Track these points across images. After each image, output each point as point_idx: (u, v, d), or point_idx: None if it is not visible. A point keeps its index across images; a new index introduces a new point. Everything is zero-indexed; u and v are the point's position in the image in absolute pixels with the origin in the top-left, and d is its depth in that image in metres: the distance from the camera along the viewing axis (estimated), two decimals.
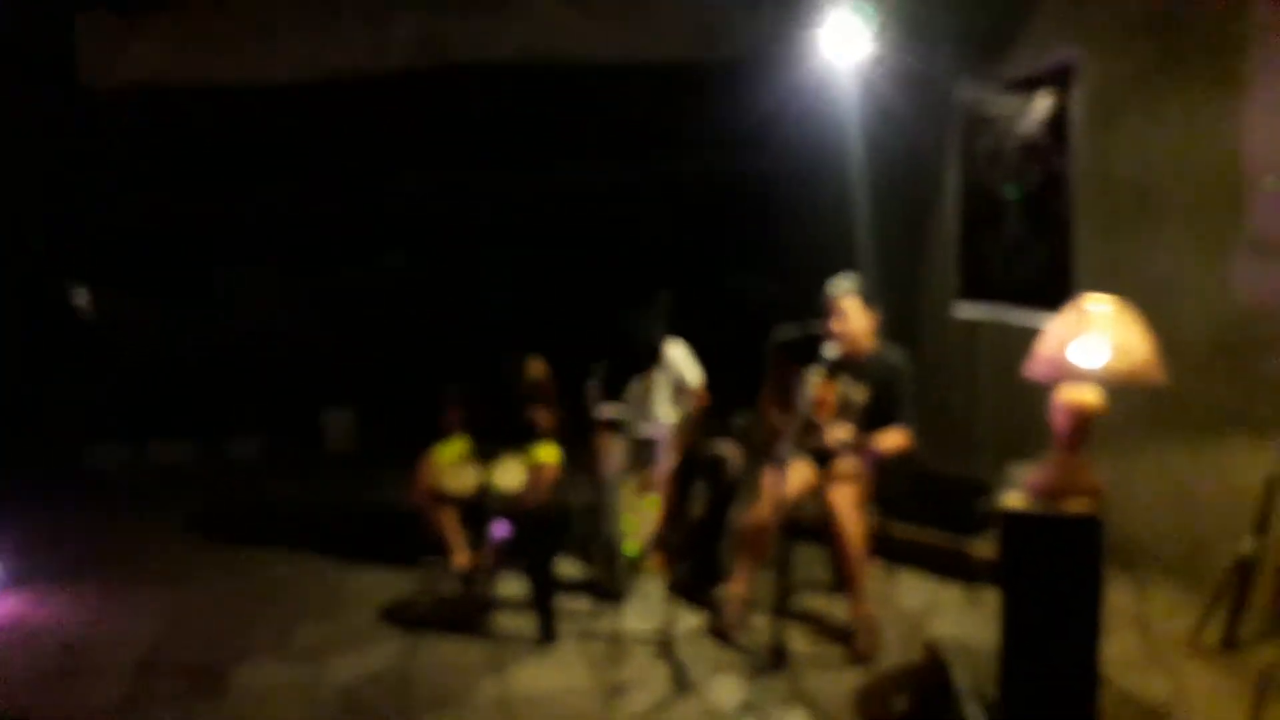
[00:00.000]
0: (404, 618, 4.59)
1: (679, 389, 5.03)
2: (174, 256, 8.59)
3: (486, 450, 5.03)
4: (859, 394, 4.31)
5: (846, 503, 4.15)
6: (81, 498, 7.06)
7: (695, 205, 8.89)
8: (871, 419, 4.28)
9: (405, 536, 5.40)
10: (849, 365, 4.31)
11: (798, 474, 4.19)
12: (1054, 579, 3.24)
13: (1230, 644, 3.90)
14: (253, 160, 8.07)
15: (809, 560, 4.96)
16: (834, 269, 4.57)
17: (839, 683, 3.80)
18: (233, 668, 4.11)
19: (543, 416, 5.05)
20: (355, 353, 8.36)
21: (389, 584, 5.02)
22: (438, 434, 5.06)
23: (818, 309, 4.37)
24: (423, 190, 8.72)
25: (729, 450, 4.77)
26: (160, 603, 4.87)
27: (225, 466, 7.87)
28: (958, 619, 4.39)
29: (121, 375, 7.98)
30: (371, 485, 6.84)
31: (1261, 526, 3.90)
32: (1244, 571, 3.92)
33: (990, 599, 4.29)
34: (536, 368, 5.13)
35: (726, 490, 4.76)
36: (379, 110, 6.93)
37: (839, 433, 4.02)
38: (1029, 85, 5.32)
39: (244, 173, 8.25)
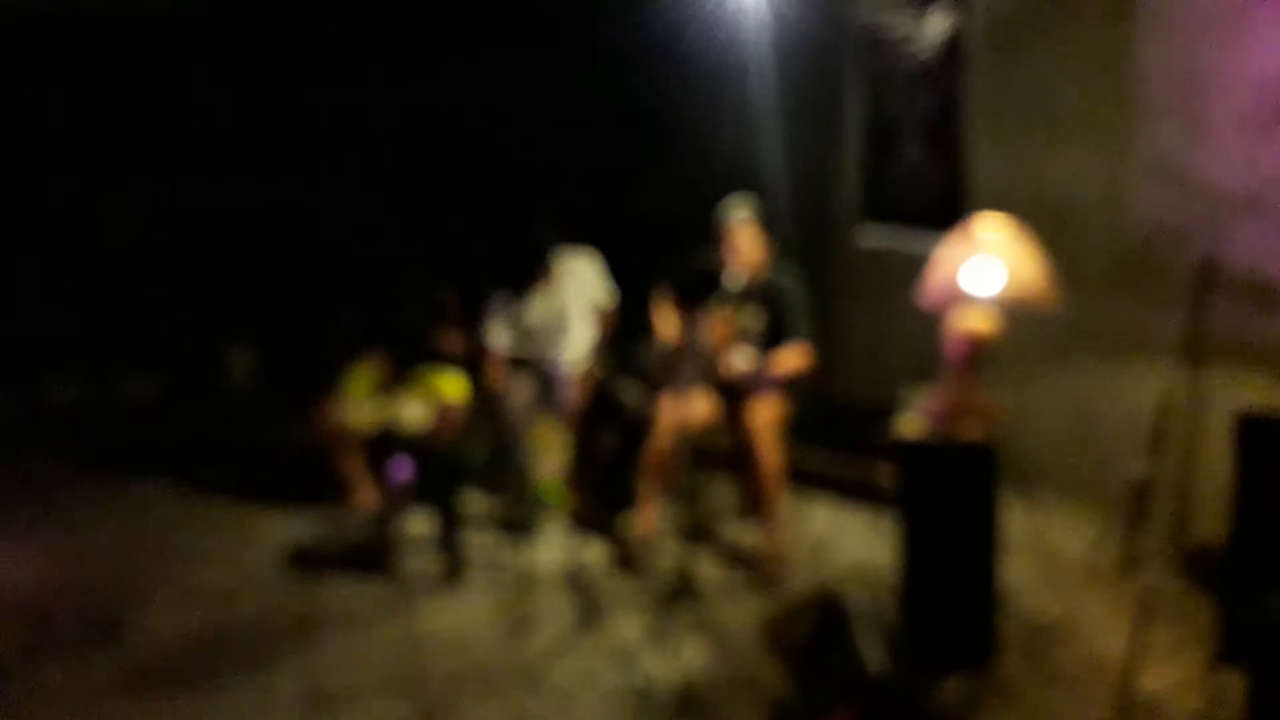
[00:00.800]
0: (308, 559, 4.55)
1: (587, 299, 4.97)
2: (45, 176, 8.23)
3: (391, 381, 4.97)
4: (756, 320, 4.32)
5: (767, 429, 4.17)
6: None
7: (599, 126, 8.75)
8: (770, 343, 4.29)
9: (308, 476, 5.35)
10: (745, 292, 4.31)
11: (699, 403, 4.20)
12: (949, 504, 3.31)
13: (1127, 564, 4.03)
14: (131, 77, 7.72)
15: (716, 488, 5.03)
16: (741, 191, 4.55)
17: (744, 610, 3.86)
18: (131, 614, 4.06)
19: (450, 340, 5.00)
20: (255, 286, 8.15)
21: (292, 525, 4.96)
22: (338, 361, 5.00)
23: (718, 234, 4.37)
24: (308, 107, 8.44)
25: (632, 393, 4.77)
26: (55, 550, 4.77)
27: (121, 407, 7.65)
28: (863, 544, 4.47)
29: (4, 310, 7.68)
30: (274, 424, 6.74)
31: (1155, 448, 4.02)
32: (1139, 493, 4.05)
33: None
34: (442, 292, 5.08)
35: (633, 428, 4.77)
36: (250, 23, 6.62)
37: (737, 361, 4.03)
38: (929, 4, 5.30)
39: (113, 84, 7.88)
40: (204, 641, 3.84)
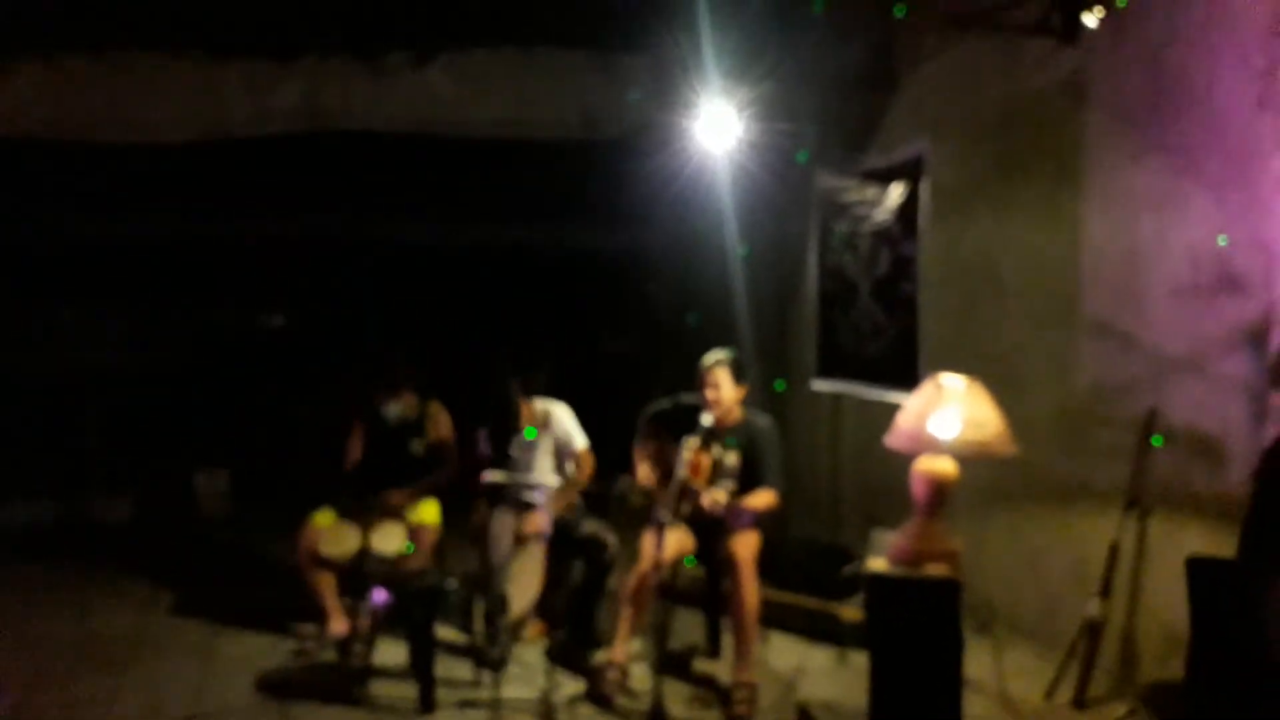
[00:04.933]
0: (280, 686, 4.41)
1: (564, 452, 5.03)
2: (26, 299, 8.21)
3: (368, 507, 4.96)
4: (731, 459, 4.41)
5: (748, 563, 4.19)
6: None
7: (578, 276, 9.00)
8: (743, 482, 4.38)
9: (282, 603, 5.25)
10: (721, 432, 4.42)
11: (674, 539, 4.23)
12: (917, 637, 3.35)
13: (1080, 703, 4.06)
14: (123, 203, 7.80)
15: (685, 625, 5.00)
16: (711, 341, 4.70)
17: None
18: None
19: (447, 454, 5.06)
20: (230, 412, 8.11)
21: (264, 652, 4.82)
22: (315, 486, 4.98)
23: (694, 379, 4.49)
24: (301, 245, 8.58)
25: (604, 531, 4.80)
26: (14, 680, 4.53)
27: (89, 529, 7.47)
28: (827, 681, 4.46)
29: None
30: (247, 549, 6.63)
31: (1105, 590, 4.11)
32: (1092, 633, 4.12)
33: (857, 661, 4.39)
34: (439, 412, 5.14)
35: (603, 565, 4.77)
36: (259, 162, 6.75)
37: (717, 495, 4.09)
38: (883, 176, 5.59)
39: (114, 215, 7.96)
40: None
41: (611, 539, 4.74)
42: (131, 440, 7.88)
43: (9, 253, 7.95)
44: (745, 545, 4.24)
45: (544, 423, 5.01)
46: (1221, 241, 3.63)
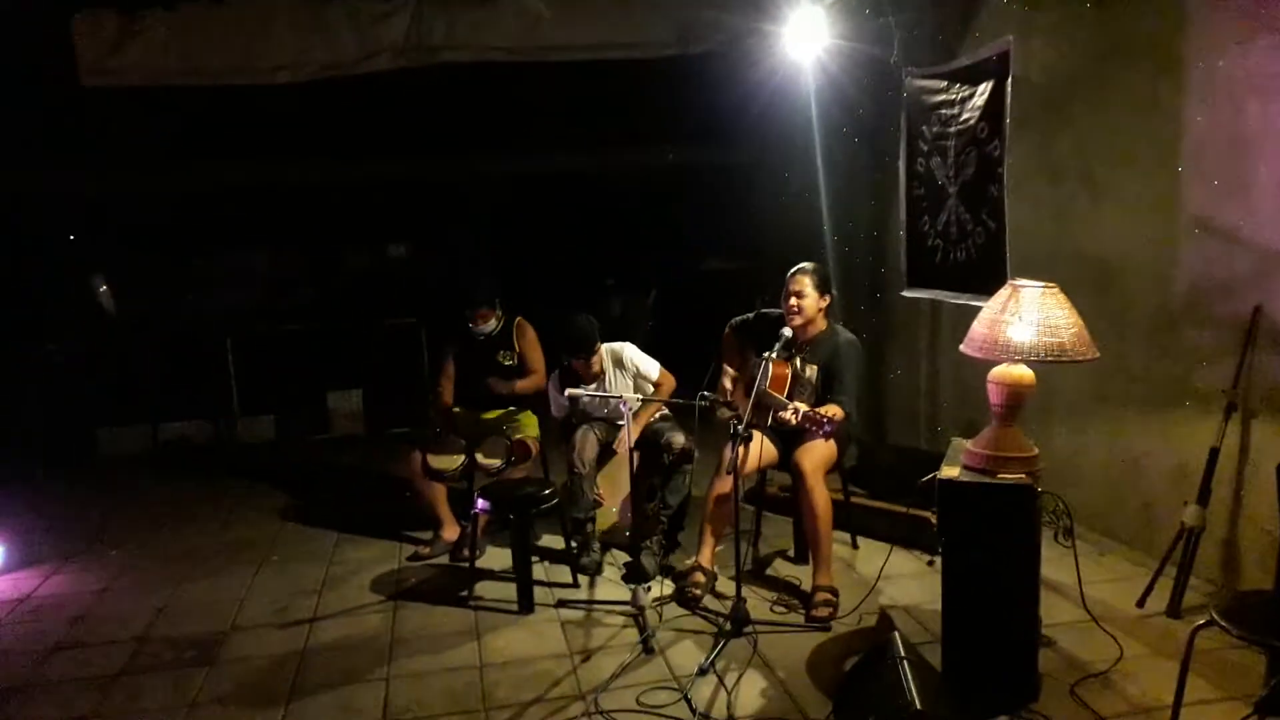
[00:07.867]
0: (393, 588, 4.58)
1: (644, 384, 4.89)
2: (174, 241, 8.59)
3: (473, 420, 5.06)
4: (811, 371, 4.26)
5: (815, 472, 4.09)
6: (95, 480, 7.09)
7: (674, 192, 8.84)
8: (822, 395, 4.23)
9: (402, 512, 5.42)
10: (803, 344, 4.27)
11: (757, 447, 4.12)
12: (990, 542, 3.17)
13: (1175, 613, 3.82)
14: (248, 146, 8.04)
15: (772, 531, 4.92)
16: (804, 251, 4.52)
17: (797, 647, 3.74)
18: (226, 639, 4.10)
19: (534, 365, 5.14)
20: (361, 336, 8.34)
21: (381, 556, 5.03)
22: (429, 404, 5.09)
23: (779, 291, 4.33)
24: (409, 177, 8.70)
25: (679, 437, 4.70)
26: (165, 579, 4.87)
27: (236, 447, 7.90)
28: (913, 585, 4.32)
29: (134, 361, 7.97)
30: (372, 463, 6.85)
31: (1204, 497, 3.83)
32: (1189, 541, 3.85)
33: None
34: (524, 326, 5.17)
35: (685, 472, 4.70)
36: (363, 100, 6.85)
37: (796, 406, 3.93)
38: (970, 75, 5.20)
39: (240, 158, 8.22)
40: (293, 662, 3.85)
41: (690, 446, 4.65)
42: (274, 366, 8.20)
43: (175, 209, 8.32)
44: (810, 455, 4.12)
45: (616, 365, 4.90)
46: None
